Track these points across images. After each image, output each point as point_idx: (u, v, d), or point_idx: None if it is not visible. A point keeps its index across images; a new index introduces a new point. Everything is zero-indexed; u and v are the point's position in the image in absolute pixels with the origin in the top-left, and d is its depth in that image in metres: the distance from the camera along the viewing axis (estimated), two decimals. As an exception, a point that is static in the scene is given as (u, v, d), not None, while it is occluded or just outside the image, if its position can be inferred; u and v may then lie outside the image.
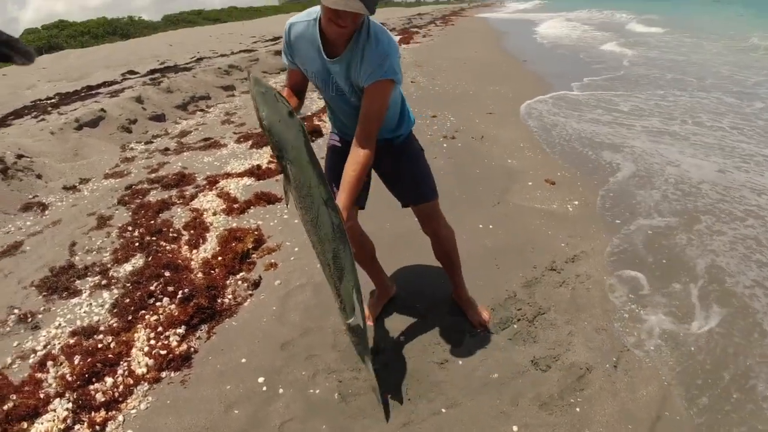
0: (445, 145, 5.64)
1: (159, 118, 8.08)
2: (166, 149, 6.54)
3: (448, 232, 2.61)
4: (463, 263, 2.76)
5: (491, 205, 4.16)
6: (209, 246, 3.72)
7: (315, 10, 1.93)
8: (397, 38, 20.18)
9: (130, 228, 4.24)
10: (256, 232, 3.80)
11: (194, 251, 3.66)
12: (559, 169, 4.98)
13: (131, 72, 13.16)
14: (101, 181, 5.77)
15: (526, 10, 64.41)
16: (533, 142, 5.84)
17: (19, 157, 6.12)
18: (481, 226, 3.80)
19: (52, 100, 10.88)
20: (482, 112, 7.24)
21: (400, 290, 3.04)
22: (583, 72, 10.55)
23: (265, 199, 4.35)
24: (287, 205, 1.82)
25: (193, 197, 4.67)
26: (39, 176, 5.99)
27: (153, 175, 5.54)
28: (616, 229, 3.77)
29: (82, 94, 10.82)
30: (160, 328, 2.81)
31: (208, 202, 4.51)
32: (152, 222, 4.24)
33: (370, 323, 2.77)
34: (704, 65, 11.37)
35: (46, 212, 5.15)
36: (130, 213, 4.58)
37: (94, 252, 3.97)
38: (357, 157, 1.98)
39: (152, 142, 7.13)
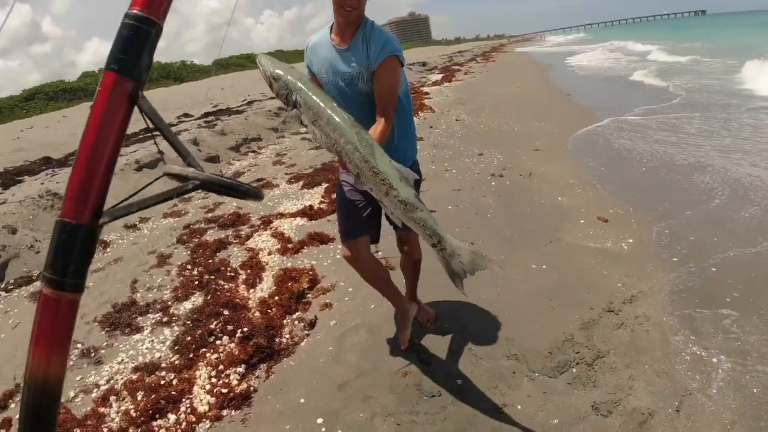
0: (493, 183, 5.65)
1: (214, 159, 8.43)
2: (221, 189, 6.78)
3: (420, 251, 2.89)
4: (517, 304, 2.75)
5: (543, 244, 4.13)
6: (266, 285, 3.82)
7: (324, 29, 2.42)
8: (438, 77, 20.51)
9: (189, 266, 4.40)
10: (310, 272, 3.89)
11: (251, 290, 3.77)
12: (611, 205, 4.91)
13: (186, 115, 13.80)
14: (160, 221, 6.01)
15: (566, 43, 64.60)
16: (582, 178, 5.79)
17: (83, 196, 6.44)
18: (534, 266, 3.77)
19: (113, 143, 11.49)
20: (529, 148, 7.24)
21: (453, 330, 3.04)
22: (631, 102, 10.45)
23: (318, 239, 4.45)
24: (284, 132, 2.07)
25: (248, 237, 4.82)
26: (101, 215, 6.29)
27: (209, 215, 5.75)
28: (673, 267, 3.67)
29: (140, 136, 11.40)
30: (220, 367, 2.89)
31: (263, 241, 4.64)
32: (210, 261, 4.40)
33: (402, 347, 2.88)
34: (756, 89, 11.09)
35: (108, 250, 5.40)
36: (189, 252, 4.75)
37: (155, 289, 4.13)
38: (376, 126, 2.26)
39: (208, 183, 7.39)
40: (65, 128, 15.49)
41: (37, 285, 4.79)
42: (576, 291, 3.40)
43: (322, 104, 2.05)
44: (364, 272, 2.70)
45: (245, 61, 55.19)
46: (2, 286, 4.89)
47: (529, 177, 5.89)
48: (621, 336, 2.92)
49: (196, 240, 5.02)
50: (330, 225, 4.63)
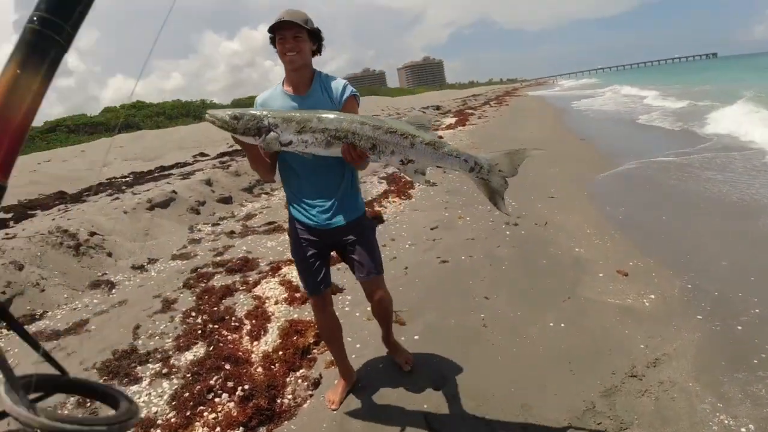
0: (508, 232, 5.51)
1: (226, 200, 8.40)
2: (232, 232, 6.72)
3: (389, 296, 2.87)
4: (534, 367, 2.59)
5: (561, 299, 3.96)
6: (270, 338, 3.67)
7: (271, 88, 2.53)
8: (452, 120, 20.64)
9: (193, 313, 4.28)
10: (316, 326, 3.74)
11: (255, 343, 3.63)
12: (631, 256, 4.73)
13: (202, 154, 13.92)
14: (168, 262, 5.93)
15: (578, 87, 65.19)
16: (600, 227, 5.64)
17: (92, 234, 6.43)
18: (551, 324, 3.59)
19: (127, 179, 11.58)
20: (544, 195, 7.11)
21: (466, 395, 2.85)
22: (648, 145, 10.34)
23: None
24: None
25: (256, 283, 4.70)
26: (109, 254, 6.25)
27: (218, 258, 5.66)
28: (698, 325, 3.47)
29: (155, 174, 11.47)
30: (218, 429, 2.72)
31: (270, 289, 4.51)
32: (215, 308, 4.27)
33: (333, 407, 2.85)
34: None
35: (114, 291, 5.31)
36: (195, 297, 4.64)
37: (157, 337, 4.00)
38: None
39: (219, 224, 7.36)
40: (83, 163, 15.70)
41: (40, 325, 4.69)
42: (597, 353, 3.21)
43: (302, 112, 2.20)
44: (323, 324, 2.87)
45: (262, 102, 56.04)
46: (3, 324, 4.79)
47: (545, 226, 5.75)
48: (645, 404, 2.72)
49: (203, 285, 4.91)
50: (340, 274, 4.50)
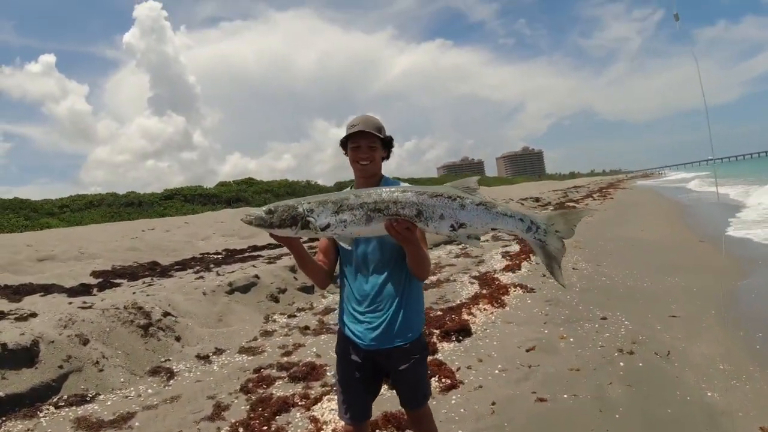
0: (621, 363, 4.53)
1: (307, 290, 8.03)
2: (306, 327, 6.25)
3: (435, 426, 2.60)
4: None
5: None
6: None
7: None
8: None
9: (241, 429, 3.73)
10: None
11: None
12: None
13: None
14: (234, 356, 5.55)
15: (690, 179, 61.21)
16: (736, 362, 4.51)
17: (166, 314, 6.23)
18: None
19: (219, 256, 11.68)
20: (664, 313, 6.02)
21: None
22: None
23: (395, 422, 3.53)
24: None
25: (317, 400, 4.07)
26: (178, 338, 5.98)
27: (285, 359, 5.19)
28: None
29: (246, 254, 11.47)
30: None
31: (330, 411, 3.84)
32: (265, 428, 3.68)
33: None
34: None
35: (171, 382, 5.02)
36: (248, 407, 4.12)
37: (202, 453, 3.47)
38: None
39: (296, 316, 6.97)
40: (183, 234, 16.33)
41: (88, 408, 4.46)
42: None
43: (339, 192, 2.15)
44: None
45: (363, 187, 58.33)
46: (54, 399, 4.59)
47: (668, 357, 4.70)
48: None
49: (261, 392, 4.41)
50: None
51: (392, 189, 2.08)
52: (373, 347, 2.33)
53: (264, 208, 2.09)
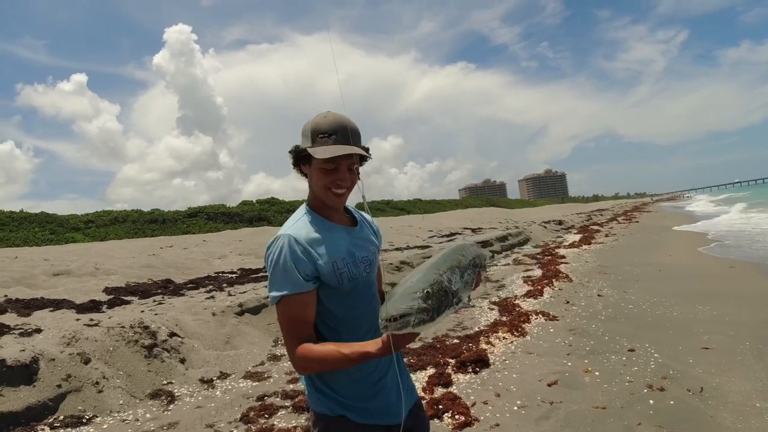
0: (651, 401, 4.16)
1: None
2: (313, 352, 5.98)
3: None
4: None
5: None
6: None
7: (297, 215, 1.83)
8: (576, 237, 19.15)
9: (235, 466, 3.47)
10: None
11: None
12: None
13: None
14: (239, 381, 5.32)
15: (718, 202, 59.73)
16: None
17: (172, 335, 6.04)
18: None
19: (234, 275, 11.51)
20: (695, 345, 5.62)
21: None
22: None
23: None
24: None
25: (319, 432, 3.80)
26: (182, 360, 5.77)
27: (291, 386, 4.92)
28: None
29: (260, 274, 11.29)
30: None
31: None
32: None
33: None
34: None
35: (171, 407, 4.80)
36: (246, 439, 3.85)
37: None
38: None
39: (304, 339, 6.70)
40: (201, 252, 16.25)
41: (83, 431, 4.28)
42: None
43: (442, 253, 1.87)
44: None
45: (385, 206, 58.50)
46: (50, 420, 4.41)
47: (701, 394, 4.32)
48: None
49: (263, 422, 4.14)
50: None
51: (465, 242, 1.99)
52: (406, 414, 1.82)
53: (414, 294, 1.54)
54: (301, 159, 1.77)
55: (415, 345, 5.95)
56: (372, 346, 1.59)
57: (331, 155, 1.65)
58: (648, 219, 33.66)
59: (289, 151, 1.79)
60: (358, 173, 1.80)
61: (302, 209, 1.84)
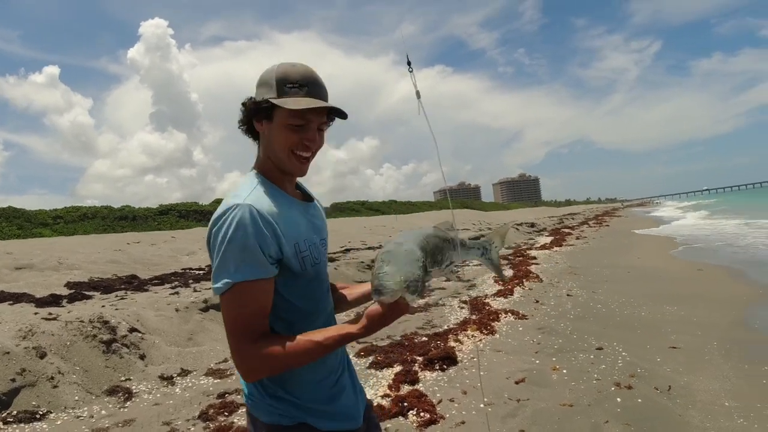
0: (618, 399, 4.13)
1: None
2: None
3: None
4: None
5: None
6: None
7: (250, 183, 1.48)
8: (548, 240, 19.33)
9: (191, 465, 3.32)
10: None
11: None
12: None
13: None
14: (200, 378, 5.16)
15: (687, 208, 61.21)
16: (743, 399, 4.12)
17: (132, 330, 5.85)
18: None
19: (201, 272, 11.27)
20: (663, 344, 5.63)
21: None
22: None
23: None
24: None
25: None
26: (142, 356, 5.60)
27: (252, 383, 4.75)
28: None
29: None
30: None
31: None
32: (219, 462, 3.27)
33: None
34: None
35: (128, 403, 4.63)
36: (205, 437, 3.70)
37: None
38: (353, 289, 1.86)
39: (270, 334, 6.55)
40: (169, 248, 15.89)
41: (36, 427, 4.12)
42: None
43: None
44: None
45: (360, 207, 58.43)
46: (3, 414, 4.25)
47: (669, 392, 4.31)
48: None
49: (222, 420, 4.00)
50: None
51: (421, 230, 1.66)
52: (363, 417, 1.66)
53: (417, 261, 1.40)
54: (259, 113, 1.46)
55: (383, 342, 5.84)
56: (351, 326, 1.36)
57: (308, 106, 1.39)
58: (618, 223, 34.24)
59: (243, 103, 1.50)
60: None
61: (253, 176, 1.51)
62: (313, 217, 1.60)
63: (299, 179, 1.62)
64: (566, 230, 24.85)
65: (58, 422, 4.23)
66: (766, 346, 5.54)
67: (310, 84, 1.43)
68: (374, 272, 1.36)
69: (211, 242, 1.39)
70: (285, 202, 1.48)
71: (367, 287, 1.75)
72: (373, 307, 1.33)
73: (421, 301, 7.79)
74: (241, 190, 1.44)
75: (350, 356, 3.67)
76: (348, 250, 14.37)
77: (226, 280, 1.32)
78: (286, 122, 1.42)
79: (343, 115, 1.53)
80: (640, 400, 4.15)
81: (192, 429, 3.90)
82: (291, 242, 1.42)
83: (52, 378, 4.73)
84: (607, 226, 30.30)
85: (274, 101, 1.40)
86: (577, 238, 20.26)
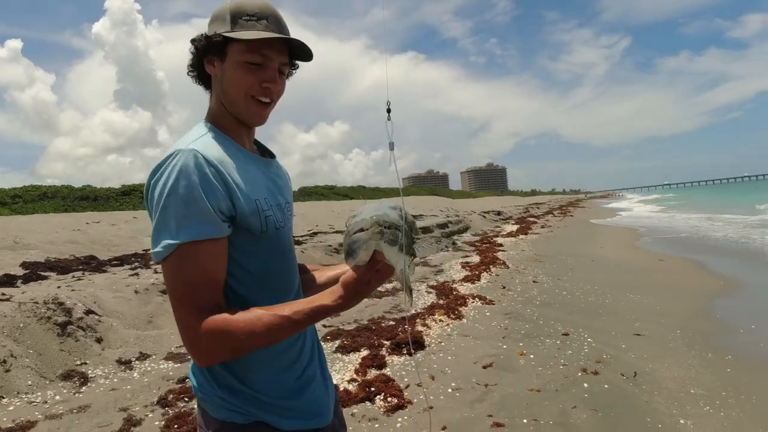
0: (585, 384, 4.15)
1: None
2: (245, 331, 5.69)
3: None
4: None
5: None
6: None
7: (197, 132, 1.25)
8: (514, 228, 19.50)
9: (149, 451, 3.18)
10: None
11: None
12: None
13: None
14: (159, 363, 4.98)
15: (648, 201, 62.94)
16: (707, 386, 4.20)
17: (89, 312, 5.61)
18: None
19: (163, 253, 10.93)
20: (628, 331, 5.72)
21: None
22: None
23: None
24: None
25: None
26: (99, 340, 5.37)
27: (215, 367, 4.60)
28: None
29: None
30: None
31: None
32: (178, 449, 3.14)
33: None
34: None
35: (83, 389, 4.42)
36: (163, 423, 3.56)
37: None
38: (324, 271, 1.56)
39: (234, 318, 6.39)
40: (129, 229, 15.39)
41: None
42: None
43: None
44: None
45: (328, 192, 58.05)
46: None
47: (635, 378, 4.36)
48: None
49: (182, 405, 3.86)
50: (353, 422, 3.29)
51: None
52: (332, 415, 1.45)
53: (396, 211, 1.15)
54: (209, 50, 1.25)
55: (350, 326, 5.75)
56: (326, 297, 1.13)
57: (266, 36, 1.20)
58: (582, 213, 34.91)
59: (192, 40, 1.28)
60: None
61: (202, 125, 1.29)
62: (275, 176, 1.38)
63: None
64: (532, 219, 25.16)
65: (10, 408, 4.02)
66: (728, 335, 5.67)
67: (269, 17, 1.25)
68: (345, 234, 1.16)
69: (148, 197, 1.16)
70: (240, 155, 1.26)
71: (340, 269, 1.49)
72: (349, 273, 1.12)
73: (388, 286, 7.57)
74: (186, 137, 1.23)
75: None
76: (315, 233, 14.18)
77: (167, 242, 1.08)
78: (242, 59, 1.22)
79: (308, 56, 1.33)
80: (606, 386, 4.17)
81: (150, 415, 3.74)
82: (248, 198, 1.19)
83: (4, 362, 4.51)
84: (571, 216, 30.83)
85: (228, 34, 1.21)
86: (543, 227, 20.53)
